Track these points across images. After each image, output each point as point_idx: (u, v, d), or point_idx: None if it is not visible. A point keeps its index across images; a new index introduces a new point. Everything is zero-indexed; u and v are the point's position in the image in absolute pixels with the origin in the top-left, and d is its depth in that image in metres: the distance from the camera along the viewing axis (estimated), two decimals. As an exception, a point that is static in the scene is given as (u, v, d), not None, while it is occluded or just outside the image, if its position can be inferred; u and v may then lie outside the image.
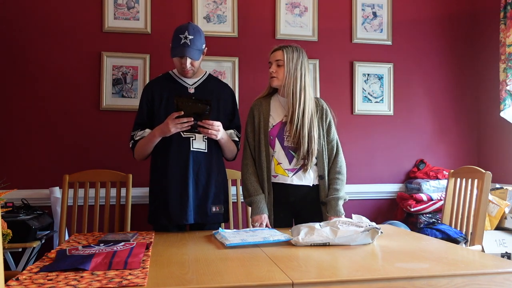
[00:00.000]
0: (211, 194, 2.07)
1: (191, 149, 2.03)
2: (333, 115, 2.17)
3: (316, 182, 2.09)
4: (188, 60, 2.03)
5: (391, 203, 3.22)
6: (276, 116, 2.10)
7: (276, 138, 2.07)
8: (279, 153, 2.07)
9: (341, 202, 2.05)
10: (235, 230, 1.88)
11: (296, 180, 2.06)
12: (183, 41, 2.00)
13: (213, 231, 1.86)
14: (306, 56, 2.10)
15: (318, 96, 3.07)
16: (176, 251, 1.54)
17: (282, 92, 2.10)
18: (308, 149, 2.02)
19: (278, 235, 1.71)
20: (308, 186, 2.07)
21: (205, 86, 2.15)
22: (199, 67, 2.17)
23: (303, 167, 2.05)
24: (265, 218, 2.03)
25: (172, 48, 2.04)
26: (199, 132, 1.96)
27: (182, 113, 1.88)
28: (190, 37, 2.01)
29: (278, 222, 2.08)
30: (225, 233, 1.76)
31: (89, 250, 1.43)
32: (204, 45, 2.10)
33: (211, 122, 1.92)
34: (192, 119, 1.89)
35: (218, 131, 1.96)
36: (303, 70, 2.06)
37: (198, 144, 2.04)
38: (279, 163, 2.07)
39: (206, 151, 2.06)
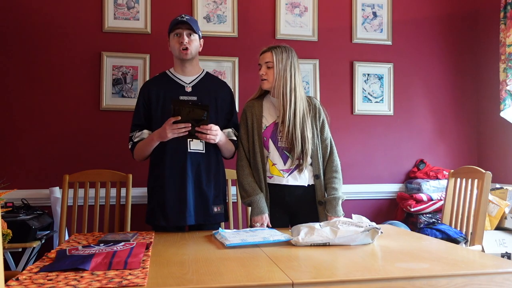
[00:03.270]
0: (211, 195, 2.06)
1: (189, 150, 2.02)
2: (326, 114, 2.16)
3: (311, 182, 2.09)
4: (186, 39, 2.04)
5: (391, 203, 3.22)
6: (269, 117, 2.10)
7: (270, 139, 2.07)
8: (273, 154, 2.07)
9: (340, 202, 2.05)
10: (235, 230, 1.88)
11: (291, 180, 2.06)
12: (180, 19, 2.05)
13: (213, 231, 1.86)
14: (296, 56, 2.09)
15: (318, 96, 3.08)
16: (176, 251, 1.54)
17: (273, 93, 2.10)
18: (302, 149, 2.02)
19: (278, 235, 1.71)
20: (303, 186, 2.07)
21: (202, 84, 2.13)
22: (197, 62, 2.16)
23: (298, 167, 2.05)
24: (266, 218, 2.03)
25: (169, 30, 2.09)
26: (197, 138, 1.94)
27: (179, 118, 1.85)
28: (187, 17, 2.07)
29: (274, 223, 2.08)
30: (225, 233, 1.76)
31: (89, 250, 1.43)
32: (200, 33, 2.14)
33: (208, 126, 1.90)
34: (190, 125, 1.87)
35: (216, 135, 1.95)
36: (292, 70, 2.05)
37: (196, 145, 2.04)
38: (274, 164, 2.07)
39: (204, 151, 2.05)
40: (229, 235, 1.72)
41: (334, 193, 2.05)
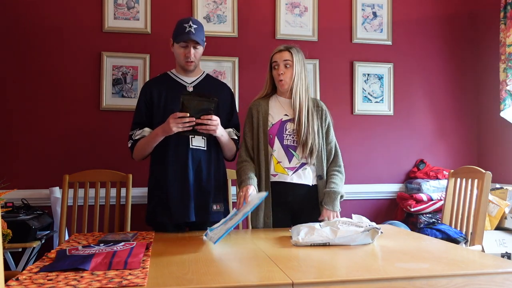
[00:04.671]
0: (211, 192, 2.07)
1: (190, 146, 2.03)
2: (331, 118, 2.18)
3: (315, 182, 2.09)
4: (192, 51, 2.05)
5: (391, 203, 3.21)
6: (275, 115, 2.10)
7: (276, 137, 2.07)
8: (278, 151, 2.07)
9: (339, 197, 2.04)
10: (220, 223, 1.81)
11: (296, 178, 2.06)
12: (188, 29, 2.04)
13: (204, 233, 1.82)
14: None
15: (318, 96, 3.08)
16: (176, 251, 1.54)
17: (284, 93, 2.10)
18: (311, 147, 2.03)
19: (255, 199, 1.73)
20: (307, 186, 2.07)
21: (203, 84, 2.15)
22: (198, 65, 2.17)
23: (303, 166, 2.05)
24: (251, 188, 1.92)
25: (176, 36, 2.07)
26: (199, 134, 1.94)
27: (187, 115, 1.86)
28: (195, 26, 2.06)
29: (276, 222, 2.08)
30: (211, 233, 1.72)
31: (89, 250, 1.43)
32: (204, 40, 2.13)
33: (209, 116, 1.91)
34: (194, 119, 1.87)
35: (217, 126, 1.94)
36: (305, 70, 2.10)
37: (197, 142, 2.04)
38: (278, 162, 2.07)
39: (205, 148, 2.06)
40: (214, 233, 1.69)
41: (334, 187, 2.04)
